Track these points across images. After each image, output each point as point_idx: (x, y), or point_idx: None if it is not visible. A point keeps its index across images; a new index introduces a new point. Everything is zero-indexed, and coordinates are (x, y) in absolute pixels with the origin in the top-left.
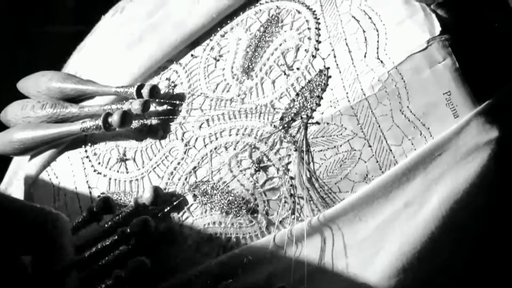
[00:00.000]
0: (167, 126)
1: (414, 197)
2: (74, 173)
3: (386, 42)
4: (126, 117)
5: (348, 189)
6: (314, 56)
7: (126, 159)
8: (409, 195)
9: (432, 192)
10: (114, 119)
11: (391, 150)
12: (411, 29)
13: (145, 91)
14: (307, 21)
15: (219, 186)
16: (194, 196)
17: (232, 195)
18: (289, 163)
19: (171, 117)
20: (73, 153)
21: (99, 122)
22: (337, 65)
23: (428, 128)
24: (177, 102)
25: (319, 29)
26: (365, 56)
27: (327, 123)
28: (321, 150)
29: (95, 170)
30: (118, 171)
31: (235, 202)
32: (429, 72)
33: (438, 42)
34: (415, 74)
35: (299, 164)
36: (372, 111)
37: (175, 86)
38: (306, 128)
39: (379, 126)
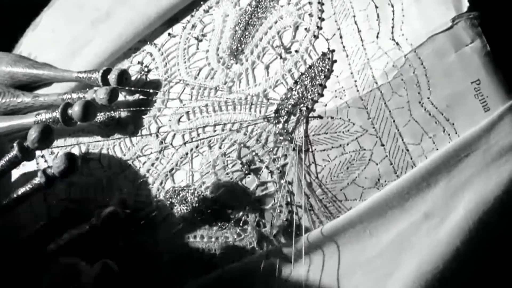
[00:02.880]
0: (139, 119)
1: (435, 207)
2: (27, 176)
3: (402, 20)
4: (90, 108)
5: (356, 196)
6: (316, 37)
7: (89, 159)
8: (430, 205)
9: (458, 201)
10: (75, 110)
11: (408, 150)
12: (433, 4)
13: (112, 77)
14: None
15: (201, 192)
16: (171, 204)
17: (219, 203)
18: (285, 164)
19: (143, 108)
20: None
21: (57, 114)
22: (343, 47)
23: (453, 124)
24: (151, 90)
25: (322, 4)
26: (377, 37)
27: (331, 117)
28: (324, 150)
29: (46, 161)
30: (79, 174)
31: (221, 212)
32: (455, 57)
33: (465, 21)
34: (438, 58)
35: (298, 166)
36: (385, 103)
37: (148, 71)
38: (306, 123)
39: (394, 121)
